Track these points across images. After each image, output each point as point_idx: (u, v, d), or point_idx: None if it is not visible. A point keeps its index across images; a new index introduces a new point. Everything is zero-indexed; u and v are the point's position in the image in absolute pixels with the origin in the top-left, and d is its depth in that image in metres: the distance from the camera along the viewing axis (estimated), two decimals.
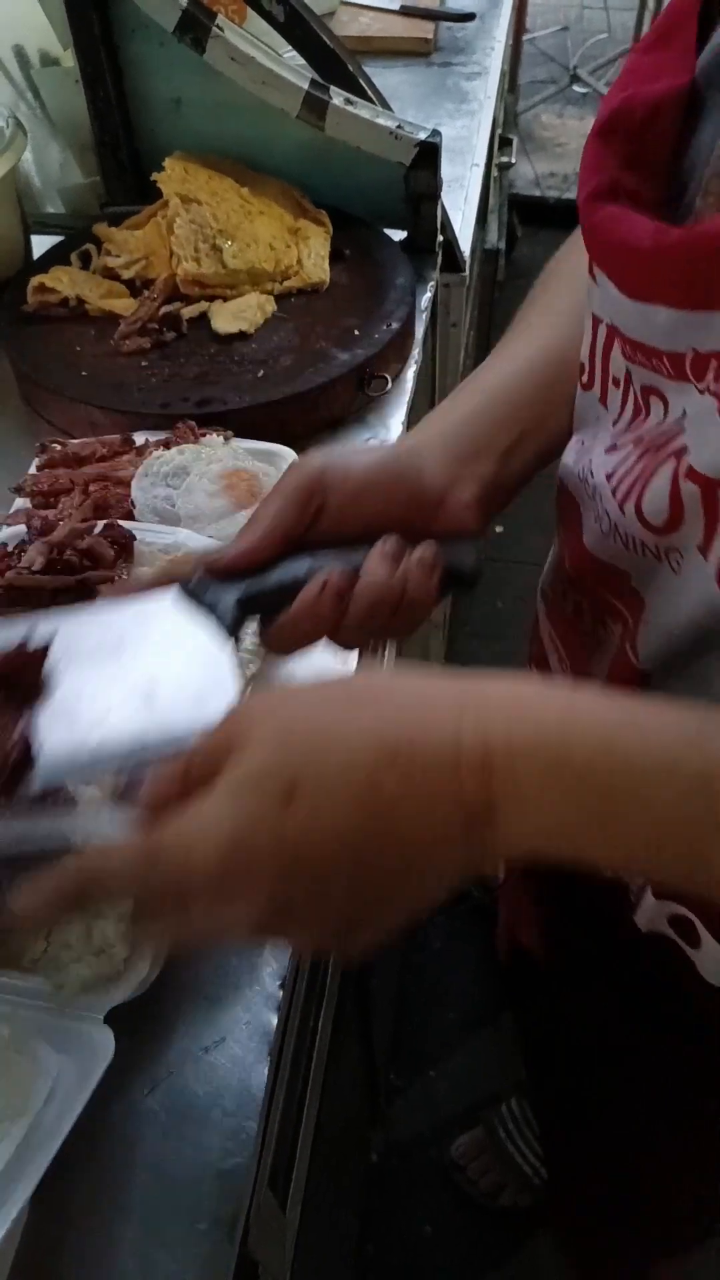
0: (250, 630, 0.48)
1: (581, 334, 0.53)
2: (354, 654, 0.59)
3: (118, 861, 0.37)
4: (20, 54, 1.03)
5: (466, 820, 0.35)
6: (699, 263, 0.38)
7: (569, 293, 0.57)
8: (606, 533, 0.49)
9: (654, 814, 0.35)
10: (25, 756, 0.42)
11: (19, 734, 0.43)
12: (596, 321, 0.48)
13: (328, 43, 0.97)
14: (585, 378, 0.51)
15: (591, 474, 0.49)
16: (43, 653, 0.46)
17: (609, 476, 0.47)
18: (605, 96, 0.46)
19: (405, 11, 1.52)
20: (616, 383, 0.48)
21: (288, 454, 0.73)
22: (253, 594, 0.47)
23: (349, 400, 0.82)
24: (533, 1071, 1.09)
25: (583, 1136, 0.94)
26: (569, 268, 0.60)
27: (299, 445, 0.78)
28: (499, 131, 1.77)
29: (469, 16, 1.53)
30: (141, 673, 0.45)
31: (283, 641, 0.48)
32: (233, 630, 0.46)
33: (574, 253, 0.61)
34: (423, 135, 0.93)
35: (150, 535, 0.64)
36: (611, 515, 0.48)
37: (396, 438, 0.54)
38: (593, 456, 0.49)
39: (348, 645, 0.48)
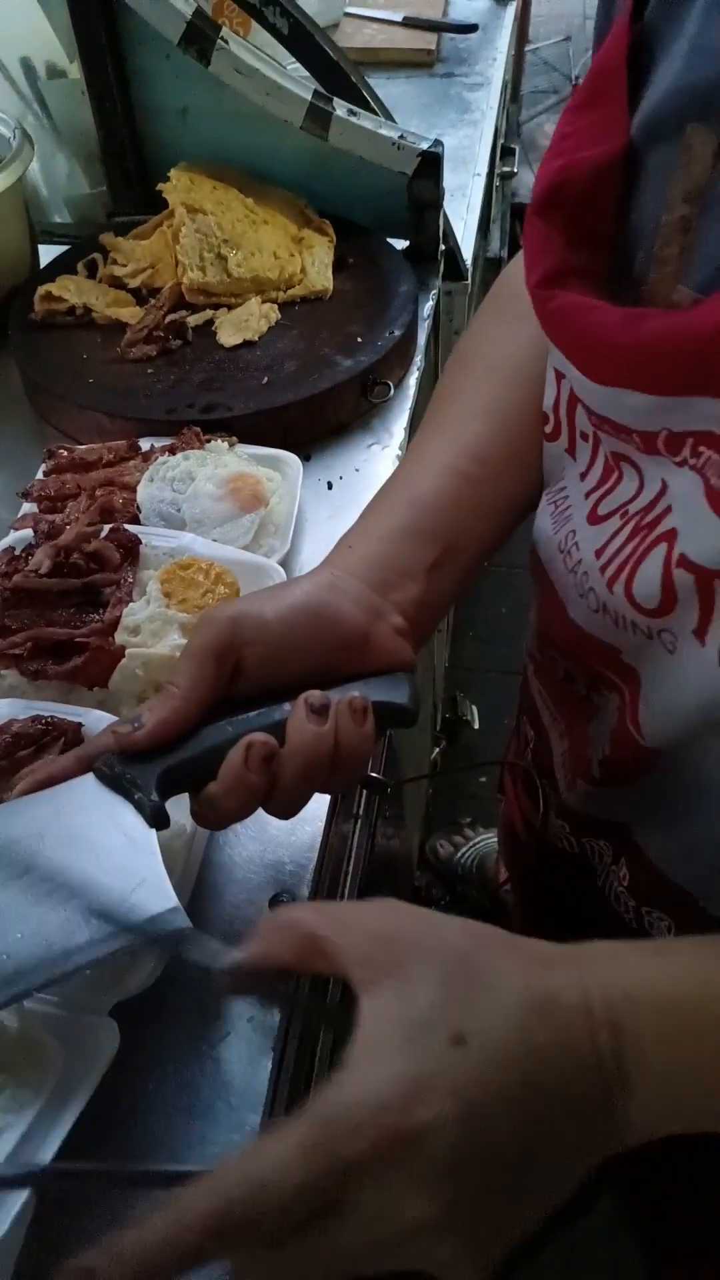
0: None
1: (500, 429, 0.51)
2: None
3: (276, 1161, 0.31)
4: (27, 66, 1.05)
5: (603, 1082, 0.35)
6: (675, 354, 0.37)
7: (488, 384, 0.55)
8: (595, 609, 0.47)
9: None
10: None
11: None
12: (559, 376, 0.47)
13: (331, 55, 0.98)
14: (550, 429, 0.49)
15: (577, 547, 0.47)
16: None
17: (598, 554, 0.45)
18: (540, 167, 0.44)
19: (408, 23, 1.54)
20: (585, 437, 0.47)
21: (292, 459, 0.74)
22: (172, 771, 0.43)
23: (353, 406, 0.83)
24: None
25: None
26: (485, 351, 0.57)
27: (303, 450, 0.79)
28: (501, 141, 1.78)
29: (471, 28, 1.55)
30: (63, 872, 0.41)
31: (213, 817, 0.44)
32: (154, 817, 0.42)
33: (489, 329, 0.59)
34: (425, 145, 0.94)
35: (155, 539, 0.65)
36: (599, 594, 0.46)
37: (322, 562, 0.51)
38: (575, 528, 0.47)
39: (284, 814, 0.45)
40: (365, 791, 0.73)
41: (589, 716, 0.54)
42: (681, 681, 0.43)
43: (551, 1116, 0.34)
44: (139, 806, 0.43)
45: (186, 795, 0.45)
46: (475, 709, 1.71)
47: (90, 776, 0.44)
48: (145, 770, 0.43)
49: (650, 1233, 0.81)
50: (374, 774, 0.69)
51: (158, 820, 0.42)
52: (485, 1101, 0.33)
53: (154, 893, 0.41)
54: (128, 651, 0.56)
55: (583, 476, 0.48)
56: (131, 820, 0.42)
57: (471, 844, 1.64)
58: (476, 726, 1.70)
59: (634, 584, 0.43)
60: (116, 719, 0.51)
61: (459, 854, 1.64)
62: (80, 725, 0.53)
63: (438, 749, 1.67)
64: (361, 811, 0.76)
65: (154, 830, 0.42)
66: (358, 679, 0.46)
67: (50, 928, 0.40)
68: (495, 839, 1.59)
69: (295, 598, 0.46)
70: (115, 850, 0.42)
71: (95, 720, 0.54)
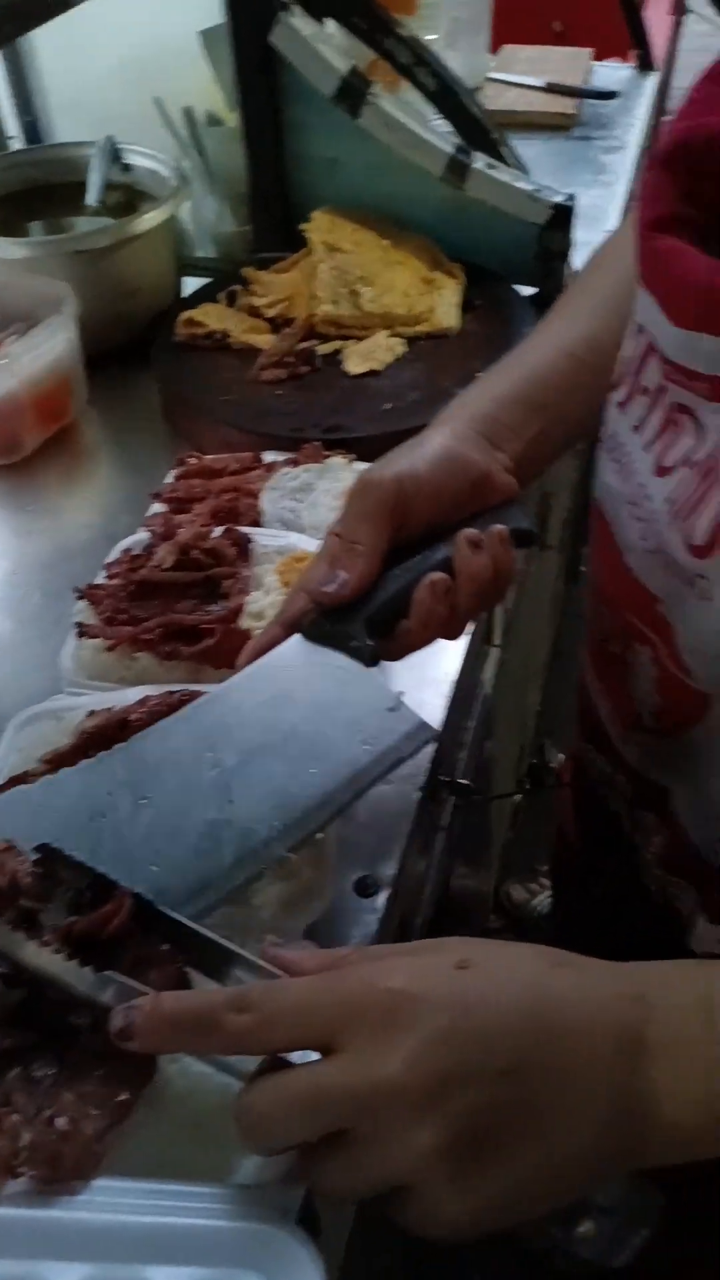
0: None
1: (618, 323, 0.55)
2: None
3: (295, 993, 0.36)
4: (189, 115, 1.13)
5: (620, 1040, 0.35)
6: None
7: (613, 281, 0.61)
8: (651, 550, 0.51)
9: None
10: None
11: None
12: (639, 329, 0.50)
13: (473, 111, 1.04)
14: (616, 378, 0.54)
15: (649, 499, 0.51)
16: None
17: (668, 499, 0.49)
18: (669, 123, 0.49)
19: (550, 89, 1.59)
20: (645, 392, 0.50)
21: None
22: (373, 617, 0.50)
23: None
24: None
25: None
26: (618, 255, 0.62)
27: None
28: (634, 202, 1.82)
29: (611, 95, 1.60)
30: (321, 714, 0.49)
31: (404, 650, 0.52)
32: (372, 658, 0.50)
33: (623, 241, 0.62)
34: (558, 198, 0.98)
35: (264, 538, 0.70)
36: (662, 533, 0.49)
37: (436, 420, 0.58)
38: (644, 482, 0.51)
39: (456, 636, 0.53)
40: (453, 799, 0.75)
41: (624, 675, 0.57)
42: (716, 627, 0.46)
43: (560, 1062, 0.34)
44: (356, 652, 0.50)
45: None
46: (562, 757, 1.70)
47: (298, 638, 0.51)
48: (350, 621, 0.50)
49: None
50: (462, 780, 0.71)
51: (375, 659, 0.50)
52: (483, 1011, 0.35)
53: (403, 715, 0.49)
54: (255, 633, 0.60)
55: (636, 429, 0.51)
56: (349, 664, 0.50)
57: (548, 891, 1.63)
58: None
59: (694, 520, 0.46)
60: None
61: (534, 901, 1.62)
62: None
63: (521, 795, 1.67)
64: (447, 823, 0.77)
65: (374, 668, 0.50)
66: (483, 513, 0.54)
67: (337, 761, 0.47)
68: None
69: (435, 450, 0.53)
70: (352, 689, 0.49)
71: None
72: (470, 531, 0.51)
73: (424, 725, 0.49)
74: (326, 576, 0.50)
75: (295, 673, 0.50)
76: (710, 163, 0.46)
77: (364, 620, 0.50)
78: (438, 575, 0.50)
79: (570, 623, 2.09)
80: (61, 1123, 0.40)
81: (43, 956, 0.40)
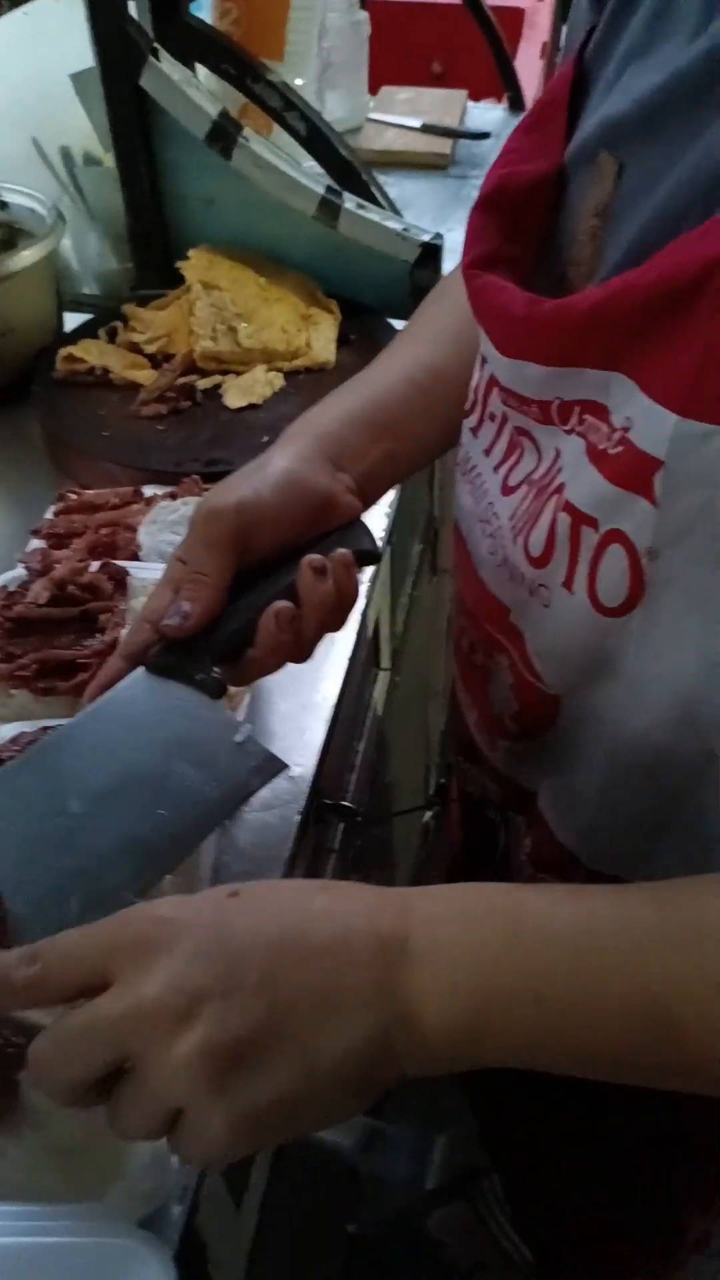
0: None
1: (455, 351, 0.59)
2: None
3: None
4: (66, 155, 1.15)
5: (380, 948, 0.37)
6: (564, 329, 0.44)
7: (452, 313, 0.64)
8: (499, 563, 0.53)
9: (568, 951, 0.37)
10: None
11: None
12: (483, 361, 0.54)
13: (343, 154, 1.08)
14: (469, 405, 0.57)
15: (496, 515, 0.54)
16: None
17: (511, 517, 0.52)
18: (489, 171, 0.52)
19: (426, 129, 1.65)
20: (493, 418, 0.53)
21: None
22: (219, 647, 0.50)
23: None
24: (496, 1158, 1.08)
25: (554, 1219, 0.93)
26: (456, 288, 0.65)
27: None
28: None
29: (484, 135, 1.67)
30: (170, 751, 0.48)
31: (250, 677, 0.52)
32: (219, 692, 0.50)
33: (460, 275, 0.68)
34: (426, 237, 1.02)
35: (142, 571, 0.71)
36: (506, 548, 0.52)
37: (281, 438, 0.59)
38: (492, 500, 0.54)
39: (303, 660, 0.53)
40: (342, 825, 0.76)
41: (485, 683, 0.59)
42: (559, 630, 0.49)
43: (317, 978, 0.36)
44: (202, 685, 0.49)
45: None
46: None
47: (142, 671, 0.50)
48: (195, 653, 0.50)
49: (535, 1223, 0.84)
50: (345, 803, 0.72)
51: (221, 692, 0.50)
52: (240, 930, 0.37)
53: (251, 749, 0.49)
54: None
55: (487, 453, 0.54)
56: (195, 697, 0.49)
57: None
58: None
59: (531, 534, 0.49)
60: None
61: None
62: None
63: (430, 813, 1.69)
64: (337, 845, 0.79)
65: (220, 700, 0.50)
66: (327, 535, 0.54)
67: (185, 800, 0.47)
68: None
69: (279, 475, 0.53)
70: (198, 724, 0.49)
71: None
72: (314, 558, 0.52)
73: (272, 758, 0.49)
74: (171, 607, 0.51)
75: (141, 708, 0.49)
76: (526, 206, 0.50)
77: (210, 652, 0.50)
78: (282, 605, 0.50)
79: None
80: None
81: None
